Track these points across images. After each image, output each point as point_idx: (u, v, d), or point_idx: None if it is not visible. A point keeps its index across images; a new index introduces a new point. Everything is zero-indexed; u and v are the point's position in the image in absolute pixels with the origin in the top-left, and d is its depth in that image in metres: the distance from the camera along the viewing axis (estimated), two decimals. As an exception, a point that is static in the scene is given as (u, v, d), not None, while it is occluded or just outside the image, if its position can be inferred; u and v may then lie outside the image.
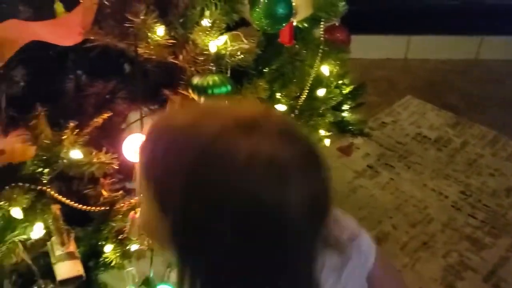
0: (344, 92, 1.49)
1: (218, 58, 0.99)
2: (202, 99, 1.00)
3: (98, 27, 0.96)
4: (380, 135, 2.27)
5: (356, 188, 1.98)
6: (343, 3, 1.34)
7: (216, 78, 0.97)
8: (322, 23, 1.29)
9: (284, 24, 1.04)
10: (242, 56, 1.01)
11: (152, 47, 0.97)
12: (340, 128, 1.53)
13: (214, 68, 0.99)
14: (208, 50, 0.98)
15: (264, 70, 1.15)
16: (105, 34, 0.96)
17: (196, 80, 0.99)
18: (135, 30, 0.93)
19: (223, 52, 0.99)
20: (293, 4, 1.06)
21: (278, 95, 1.15)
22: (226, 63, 1.00)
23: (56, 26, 0.96)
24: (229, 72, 1.02)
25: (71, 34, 0.96)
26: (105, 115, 1.08)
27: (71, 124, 0.97)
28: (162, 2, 0.99)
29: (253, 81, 1.11)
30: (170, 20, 1.00)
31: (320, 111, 1.18)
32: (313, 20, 1.28)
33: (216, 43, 0.98)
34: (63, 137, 0.98)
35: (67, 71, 1.07)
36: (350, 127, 1.52)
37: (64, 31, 0.96)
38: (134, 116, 1.21)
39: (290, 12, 1.01)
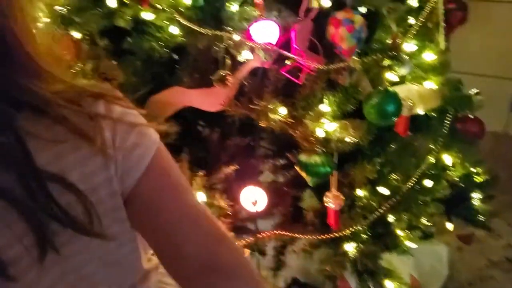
0: (474, 181, 1.49)
1: (326, 141, 1.14)
2: (304, 174, 1.16)
3: (237, 101, 1.20)
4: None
5: (485, 278, 1.89)
6: (480, 97, 1.36)
7: (318, 159, 1.13)
8: (450, 114, 1.33)
9: (393, 119, 1.13)
10: (349, 143, 1.14)
11: (273, 122, 1.16)
12: (465, 215, 1.52)
13: (320, 150, 1.14)
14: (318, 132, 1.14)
15: (377, 151, 1.25)
16: (240, 107, 1.19)
17: (303, 156, 1.15)
18: (262, 109, 1.15)
19: (331, 137, 1.14)
20: (409, 100, 1.15)
21: (385, 177, 1.24)
22: (333, 146, 1.15)
23: (207, 95, 1.23)
24: (335, 154, 1.16)
25: (217, 103, 1.21)
26: (234, 167, 1.31)
27: (202, 172, 1.23)
28: (288, 87, 1.18)
29: (363, 162, 1.23)
30: (293, 102, 1.18)
31: (423, 201, 1.23)
32: (443, 110, 1.34)
33: (326, 128, 1.13)
34: (195, 180, 1.25)
35: (212, 127, 1.34)
36: (475, 217, 1.50)
37: (212, 100, 1.22)
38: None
39: (399, 109, 1.11)
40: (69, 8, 1.24)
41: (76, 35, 1.28)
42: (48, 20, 1.35)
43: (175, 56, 1.30)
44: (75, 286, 0.59)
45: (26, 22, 0.55)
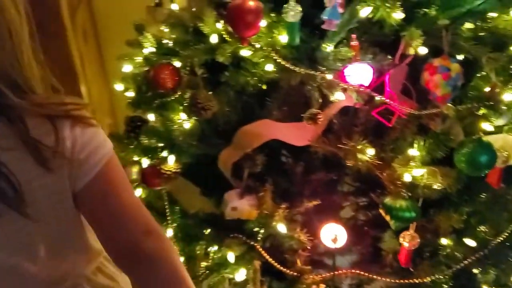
0: None
1: (412, 186, 1.13)
2: (388, 217, 1.15)
3: (324, 137, 1.22)
4: None
5: None
6: None
7: (404, 203, 1.12)
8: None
9: (486, 171, 1.10)
10: (436, 190, 1.12)
11: (360, 162, 1.17)
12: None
13: (406, 194, 1.13)
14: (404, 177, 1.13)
15: (465, 200, 1.22)
16: (328, 144, 1.22)
17: (388, 199, 1.15)
18: (350, 148, 1.16)
19: (418, 182, 1.12)
20: (504, 151, 1.11)
21: (472, 228, 1.20)
22: (420, 192, 1.13)
23: (295, 129, 1.26)
24: (421, 200, 1.14)
25: (305, 138, 1.25)
26: (315, 202, 1.33)
27: (284, 205, 1.26)
28: (378, 129, 1.19)
29: (449, 210, 1.20)
30: (382, 144, 1.18)
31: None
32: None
33: (414, 173, 1.12)
34: (277, 212, 1.28)
35: (297, 161, 1.37)
36: None
37: (300, 135, 1.26)
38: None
39: (493, 161, 1.08)
40: (174, 41, 1.33)
41: (177, 64, 1.37)
42: (153, 49, 1.46)
43: (265, 87, 1.35)
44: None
45: (17, 43, 0.69)
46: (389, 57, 1.16)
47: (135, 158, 1.64)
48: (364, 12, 1.10)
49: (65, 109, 0.73)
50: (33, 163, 0.68)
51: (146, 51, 1.50)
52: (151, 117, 1.51)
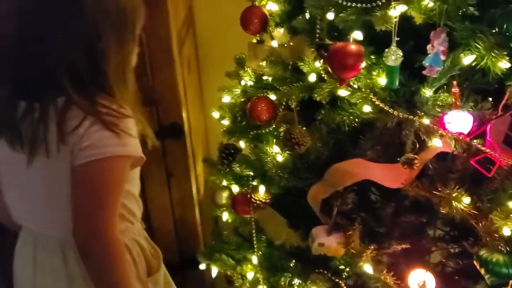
0: None
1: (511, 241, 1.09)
2: (483, 271, 1.11)
3: (418, 182, 1.21)
4: None
5: None
6: None
7: (501, 258, 1.08)
8: None
9: None
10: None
11: (455, 210, 1.15)
12: None
13: (504, 249, 1.09)
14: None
15: None
16: (421, 189, 1.20)
17: (483, 252, 1.11)
18: (445, 195, 1.14)
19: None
20: None
21: None
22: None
23: (388, 170, 1.26)
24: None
25: (398, 181, 1.24)
26: (405, 245, 1.31)
27: (372, 246, 1.26)
28: (476, 177, 1.16)
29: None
30: (479, 193, 1.15)
31: None
32: None
33: (513, 228, 1.08)
34: (365, 252, 1.28)
35: (387, 201, 1.36)
36: None
37: (393, 176, 1.25)
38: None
39: None
40: (273, 77, 1.39)
41: (273, 97, 1.43)
42: (251, 82, 1.53)
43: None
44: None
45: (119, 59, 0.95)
46: (492, 105, 1.14)
47: (225, 183, 1.72)
48: (468, 60, 1.09)
49: (98, 111, 0.92)
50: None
51: (244, 83, 1.58)
52: (243, 145, 1.58)
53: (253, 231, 1.55)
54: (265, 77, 1.46)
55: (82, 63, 0.93)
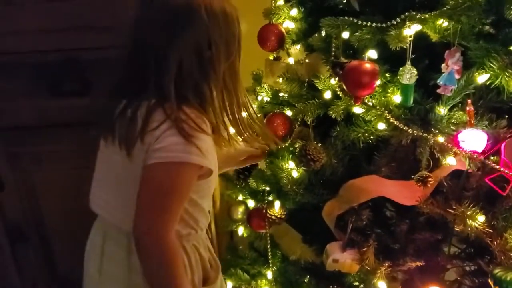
0: None
1: (526, 259, 1.08)
2: (496, 288, 1.11)
3: (433, 199, 1.21)
4: None
5: None
6: None
7: (516, 277, 1.07)
8: None
9: None
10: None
11: (469, 228, 1.15)
12: None
13: (518, 267, 1.08)
14: (518, 250, 1.09)
15: None
16: (436, 206, 1.21)
17: (498, 270, 1.11)
18: (459, 213, 1.14)
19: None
20: None
21: None
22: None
23: (404, 188, 1.27)
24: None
25: (413, 198, 1.25)
26: (419, 262, 1.31)
27: (387, 263, 1.26)
28: (491, 196, 1.16)
29: None
30: (493, 212, 1.15)
31: None
32: None
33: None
34: (379, 269, 1.28)
35: (401, 218, 1.36)
36: None
37: (407, 193, 1.26)
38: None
39: None
40: (289, 94, 1.41)
41: (289, 113, 1.45)
42: (268, 98, 1.56)
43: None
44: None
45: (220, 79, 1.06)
46: (506, 124, 1.14)
47: (241, 198, 1.74)
48: (482, 78, 1.10)
49: (178, 117, 0.99)
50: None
51: (260, 98, 1.61)
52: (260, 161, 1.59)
53: (268, 246, 1.56)
54: (281, 94, 1.48)
55: (190, 69, 1.01)
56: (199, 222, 1.14)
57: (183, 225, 1.09)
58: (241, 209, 1.76)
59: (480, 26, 1.11)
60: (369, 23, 1.16)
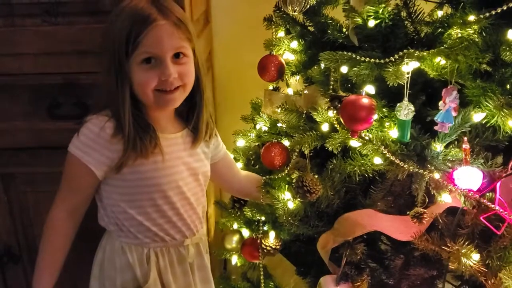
0: None
1: (520, 301, 1.07)
2: None
3: (428, 235, 1.21)
4: None
5: None
6: None
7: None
8: None
9: None
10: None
11: (463, 266, 1.14)
12: None
13: (513, 308, 1.07)
14: (513, 290, 1.08)
15: None
16: (431, 243, 1.20)
17: (492, 310, 1.10)
18: (453, 251, 1.14)
19: (527, 298, 1.07)
20: None
21: None
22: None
23: (398, 222, 1.27)
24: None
25: (407, 233, 1.24)
26: (413, 299, 1.30)
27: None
28: (486, 234, 1.16)
29: None
30: (488, 251, 1.15)
31: None
32: None
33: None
34: (372, 304, 1.27)
35: (396, 252, 1.36)
36: None
37: (403, 229, 1.25)
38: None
39: None
40: (287, 124, 1.42)
41: (287, 143, 1.45)
42: (266, 128, 1.56)
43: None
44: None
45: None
46: (502, 163, 1.15)
47: (236, 226, 1.73)
48: (478, 117, 1.11)
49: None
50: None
51: (259, 127, 1.61)
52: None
53: (261, 277, 1.54)
54: (279, 124, 1.49)
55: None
56: (125, 226, 1.29)
57: (113, 222, 1.30)
58: (235, 238, 1.75)
59: (477, 66, 1.13)
60: (367, 59, 1.17)
